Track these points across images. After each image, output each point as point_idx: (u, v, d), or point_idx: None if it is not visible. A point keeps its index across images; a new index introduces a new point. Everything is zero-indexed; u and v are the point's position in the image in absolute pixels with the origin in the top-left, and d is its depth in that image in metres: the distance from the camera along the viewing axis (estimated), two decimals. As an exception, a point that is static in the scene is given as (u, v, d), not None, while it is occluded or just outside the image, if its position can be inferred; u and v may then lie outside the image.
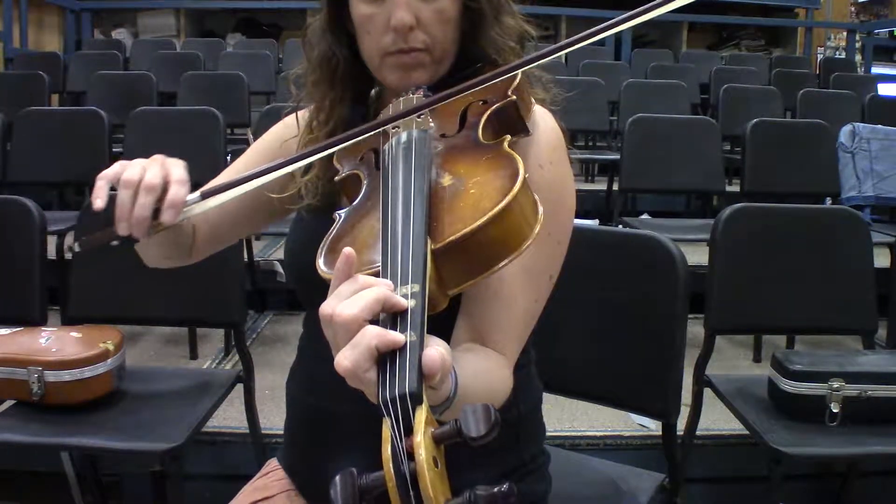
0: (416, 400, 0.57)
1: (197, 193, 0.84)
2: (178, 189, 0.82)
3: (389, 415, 0.57)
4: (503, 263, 0.69)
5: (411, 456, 0.55)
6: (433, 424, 0.57)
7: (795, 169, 3.23)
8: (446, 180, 0.75)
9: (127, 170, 0.82)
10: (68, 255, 0.70)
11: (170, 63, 5.05)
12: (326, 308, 0.63)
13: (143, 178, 0.81)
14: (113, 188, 0.82)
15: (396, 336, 0.60)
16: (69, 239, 1.38)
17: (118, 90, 4.24)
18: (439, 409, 0.66)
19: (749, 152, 3.21)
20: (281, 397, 1.10)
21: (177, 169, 0.84)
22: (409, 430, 0.56)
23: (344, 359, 0.60)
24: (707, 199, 3.93)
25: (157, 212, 0.81)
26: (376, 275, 0.66)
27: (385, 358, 0.59)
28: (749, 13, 7.28)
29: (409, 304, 0.62)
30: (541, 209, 0.71)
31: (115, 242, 0.82)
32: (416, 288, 0.63)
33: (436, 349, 0.60)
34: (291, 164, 0.86)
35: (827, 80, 5.59)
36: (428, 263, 0.66)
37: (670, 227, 3.17)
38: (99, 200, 0.80)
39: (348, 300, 0.62)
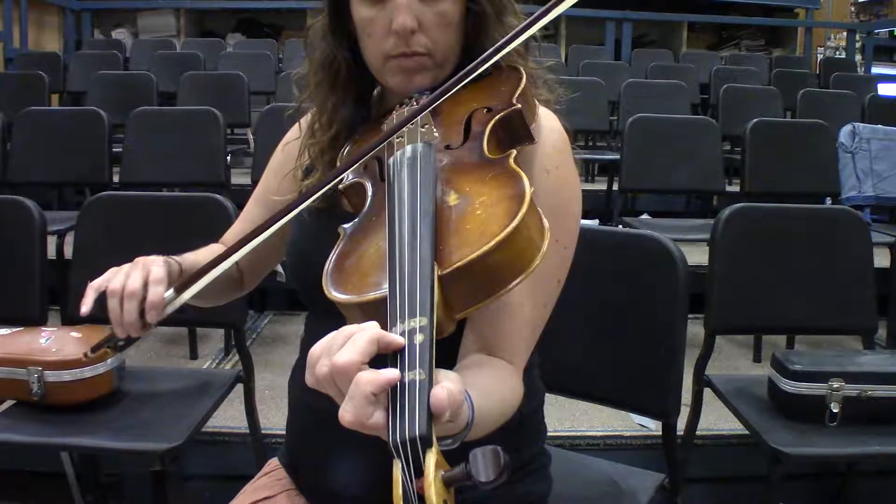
0: (426, 443, 0.57)
1: (171, 290, 0.89)
2: (155, 289, 0.88)
3: (400, 457, 0.57)
4: (511, 286, 0.68)
5: (422, 498, 0.55)
6: (443, 466, 0.57)
7: (795, 169, 3.22)
8: (452, 199, 0.74)
9: (113, 279, 0.89)
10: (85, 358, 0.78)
11: (170, 63, 5.05)
12: (322, 368, 0.62)
13: (125, 286, 0.88)
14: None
15: (388, 375, 0.59)
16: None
17: (118, 90, 4.24)
18: (459, 436, 0.65)
19: (749, 152, 3.21)
20: (281, 397, 1.10)
21: (155, 268, 0.90)
22: (419, 472, 0.56)
23: (346, 413, 0.59)
24: (707, 199, 3.93)
25: (143, 312, 0.88)
26: (383, 300, 0.66)
27: (395, 400, 0.59)
28: (749, 13, 7.28)
29: (417, 339, 0.61)
30: (547, 225, 0.71)
31: (120, 343, 0.92)
32: (424, 321, 0.62)
33: (443, 387, 0.59)
34: (298, 205, 0.86)
35: (827, 80, 5.59)
36: (435, 292, 0.65)
37: (670, 227, 3.17)
38: (84, 307, 0.89)
39: (341, 350, 0.61)
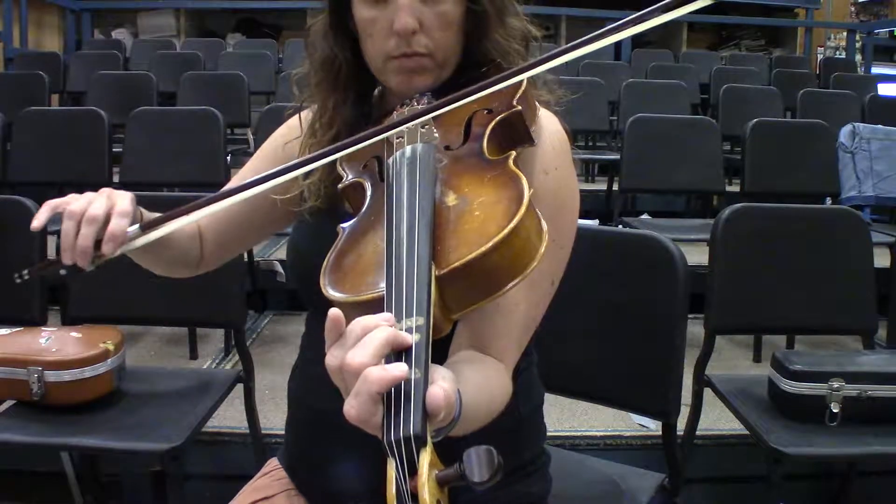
0: (421, 442, 0.57)
1: (136, 226, 0.85)
2: (119, 221, 0.83)
3: (394, 456, 0.57)
4: (508, 287, 0.68)
5: (416, 497, 0.55)
6: (437, 466, 0.57)
7: (795, 169, 3.23)
8: (451, 199, 0.74)
9: (73, 202, 0.84)
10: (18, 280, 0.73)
11: (170, 63, 5.05)
12: (332, 360, 0.62)
13: (86, 210, 0.83)
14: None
15: (396, 372, 0.58)
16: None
17: (118, 90, 4.24)
18: (444, 430, 0.65)
19: (749, 152, 3.21)
20: (281, 397, 1.10)
21: (122, 200, 0.85)
22: (413, 471, 0.56)
23: (350, 408, 0.59)
24: (707, 199, 3.93)
25: (99, 243, 0.83)
26: (380, 300, 0.65)
27: (389, 399, 0.58)
28: (749, 13, 7.28)
29: (413, 338, 0.61)
30: (545, 227, 0.71)
31: (62, 272, 0.84)
32: (421, 321, 0.62)
33: (439, 386, 0.59)
34: (282, 174, 0.85)
35: (827, 80, 5.59)
36: (432, 292, 0.65)
37: (670, 227, 3.18)
38: (36, 221, 0.84)
39: (355, 348, 0.60)
